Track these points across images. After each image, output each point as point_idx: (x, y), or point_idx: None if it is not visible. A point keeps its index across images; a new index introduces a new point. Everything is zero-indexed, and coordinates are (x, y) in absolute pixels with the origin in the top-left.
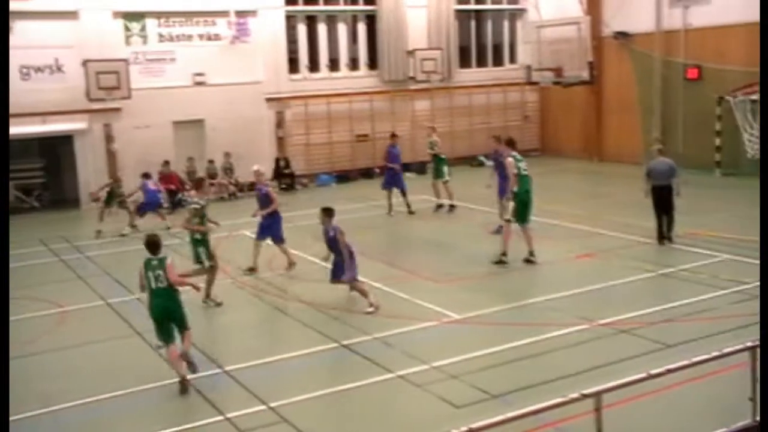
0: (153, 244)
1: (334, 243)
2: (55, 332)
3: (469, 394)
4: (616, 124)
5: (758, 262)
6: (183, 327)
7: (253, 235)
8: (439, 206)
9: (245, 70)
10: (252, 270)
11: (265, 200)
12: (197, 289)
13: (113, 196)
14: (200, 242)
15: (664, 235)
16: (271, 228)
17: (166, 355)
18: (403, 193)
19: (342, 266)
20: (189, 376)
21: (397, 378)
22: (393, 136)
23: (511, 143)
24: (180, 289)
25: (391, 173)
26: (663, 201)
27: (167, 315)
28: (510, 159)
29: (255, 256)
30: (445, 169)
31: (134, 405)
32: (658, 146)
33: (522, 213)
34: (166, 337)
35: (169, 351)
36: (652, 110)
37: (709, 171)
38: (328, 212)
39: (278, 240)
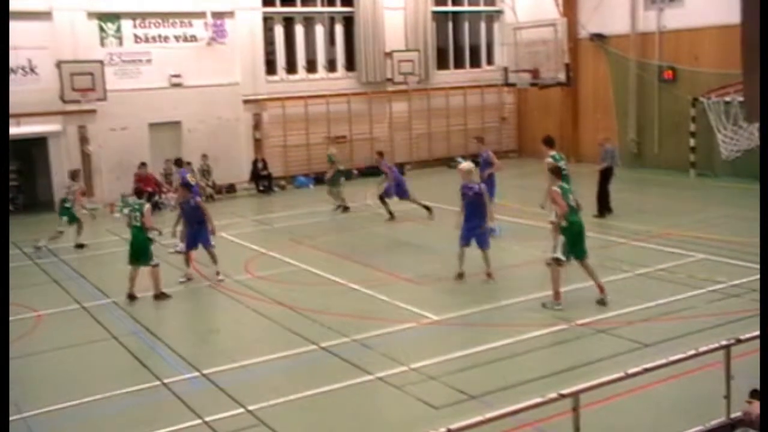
0: (138, 192)
1: (195, 211)
2: (29, 336)
3: (448, 395)
4: (592, 125)
5: (733, 261)
6: (145, 261)
7: (232, 238)
8: (345, 208)
9: (222, 72)
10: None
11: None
12: (160, 232)
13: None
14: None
15: (604, 209)
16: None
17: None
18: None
19: (198, 236)
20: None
21: (375, 380)
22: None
23: (549, 142)
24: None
25: None
26: (605, 180)
27: (136, 245)
28: (549, 159)
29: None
30: (342, 179)
31: (111, 409)
32: (605, 135)
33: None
34: (133, 260)
35: (132, 269)
36: (627, 111)
37: (684, 172)
38: (187, 187)
39: None
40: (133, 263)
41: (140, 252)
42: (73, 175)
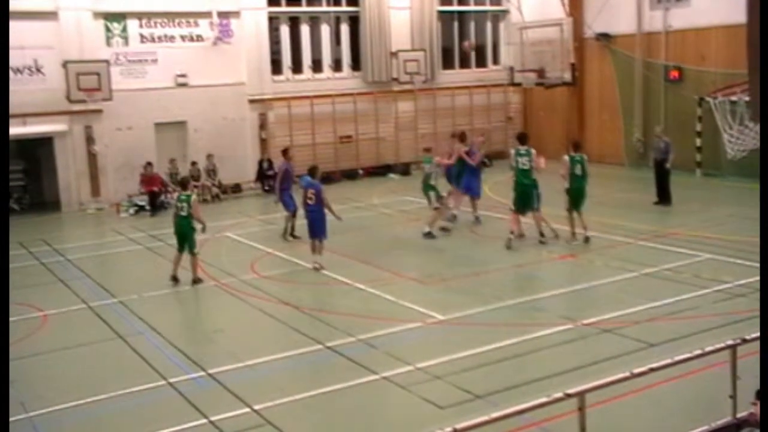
0: (183, 183)
1: (318, 199)
2: (35, 336)
3: (454, 395)
4: (598, 124)
5: (738, 261)
6: (191, 251)
7: (238, 237)
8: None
9: (228, 72)
10: None
11: None
12: (204, 227)
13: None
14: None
15: (659, 200)
16: None
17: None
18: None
19: (321, 225)
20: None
21: (381, 379)
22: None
23: (461, 137)
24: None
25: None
26: (659, 171)
27: (182, 233)
28: (464, 148)
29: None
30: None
31: (116, 409)
32: (660, 128)
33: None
34: (180, 247)
35: (178, 254)
36: (633, 111)
37: (690, 171)
38: (314, 169)
39: None
40: (181, 250)
41: (186, 239)
42: (428, 150)
